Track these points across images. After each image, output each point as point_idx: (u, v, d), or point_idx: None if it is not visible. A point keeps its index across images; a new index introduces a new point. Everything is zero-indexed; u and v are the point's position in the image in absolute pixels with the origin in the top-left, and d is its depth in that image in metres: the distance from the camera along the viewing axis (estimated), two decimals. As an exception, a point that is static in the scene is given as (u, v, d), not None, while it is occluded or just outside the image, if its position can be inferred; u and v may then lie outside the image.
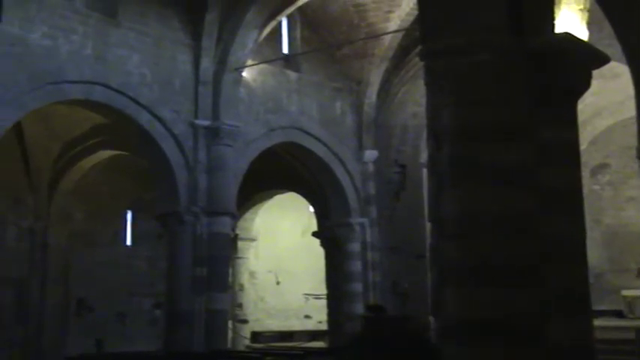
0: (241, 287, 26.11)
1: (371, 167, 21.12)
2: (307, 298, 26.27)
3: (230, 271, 18.99)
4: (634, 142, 11.88)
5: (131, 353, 17.89)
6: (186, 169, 16.81)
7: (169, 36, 16.91)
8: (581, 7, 7.81)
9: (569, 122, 7.42)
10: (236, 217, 18.62)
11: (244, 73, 17.99)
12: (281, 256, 26.51)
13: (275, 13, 17.82)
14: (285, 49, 20.21)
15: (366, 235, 20.71)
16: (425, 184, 18.22)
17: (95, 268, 21.24)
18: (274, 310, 26.61)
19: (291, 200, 24.20)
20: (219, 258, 16.95)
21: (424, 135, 17.70)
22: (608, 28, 9.51)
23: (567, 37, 7.28)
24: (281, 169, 21.44)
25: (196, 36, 17.16)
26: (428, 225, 7.55)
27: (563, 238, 6.96)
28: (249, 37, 17.48)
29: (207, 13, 17.01)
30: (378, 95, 20.99)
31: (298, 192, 22.88)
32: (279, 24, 19.29)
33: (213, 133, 17.09)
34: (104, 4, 15.88)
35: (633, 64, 9.98)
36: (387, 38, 19.76)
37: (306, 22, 20.41)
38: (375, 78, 20.73)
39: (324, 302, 22.05)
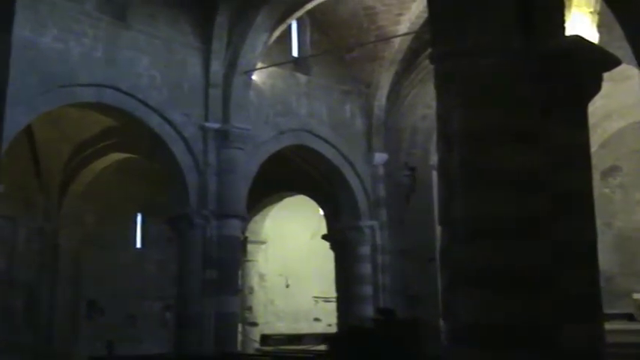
0: (251, 290, 26.10)
1: (381, 170, 21.10)
2: (317, 301, 26.23)
3: (240, 273, 19.00)
4: (645, 144, 11.83)
5: (141, 356, 17.93)
6: (196, 171, 16.84)
7: (179, 39, 16.96)
8: (592, 9, 7.80)
9: (580, 125, 7.41)
10: (246, 219, 18.63)
11: (254, 76, 18.01)
12: (291, 259, 26.48)
13: (285, 16, 17.84)
14: (295, 52, 20.23)
15: (376, 237, 20.68)
16: (435, 187, 18.16)
17: (106, 271, 21.29)
18: (284, 312, 26.58)
19: (300, 203, 24.18)
20: (229, 261, 16.96)
21: (434, 137, 17.67)
22: (618, 31, 9.46)
23: (578, 39, 7.27)
24: (291, 172, 21.44)
25: (206, 39, 17.20)
26: (438, 228, 7.53)
27: (575, 241, 6.94)
28: (259, 40, 17.50)
29: (217, 16, 17.06)
30: (388, 98, 20.97)
31: (308, 195, 22.87)
32: (289, 27, 19.33)
33: (223, 136, 17.11)
34: (114, 8, 15.94)
35: (644, 66, 9.95)
36: (397, 41, 19.75)
37: (316, 25, 20.41)
38: (384, 81, 20.72)
39: (333, 305, 22.03)
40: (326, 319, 25.13)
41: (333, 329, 22.34)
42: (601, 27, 7.94)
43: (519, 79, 6.88)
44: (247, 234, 23.03)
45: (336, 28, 20.36)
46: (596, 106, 13.61)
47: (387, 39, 19.63)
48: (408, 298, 19.71)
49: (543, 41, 7.00)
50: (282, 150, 19.30)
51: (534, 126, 6.87)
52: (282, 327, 25.98)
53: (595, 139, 19.08)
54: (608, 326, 7.87)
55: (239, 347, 19.44)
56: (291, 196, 24.39)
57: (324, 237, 22.04)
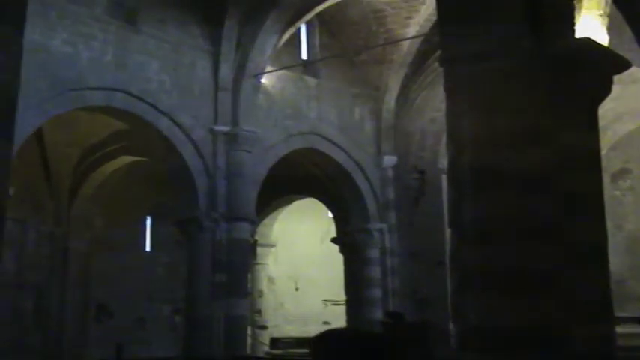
0: (260, 293, 26.11)
1: (390, 173, 21.09)
2: (326, 304, 26.21)
3: (249, 276, 19.01)
4: (655, 147, 11.79)
5: (151, 359, 17.96)
6: (205, 174, 16.88)
7: (188, 42, 17.00)
8: (601, 12, 7.78)
9: (590, 127, 7.38)
10: (255, 222, 18.63)
11: (263, 80, 18.03)
12: (300, 262, 26.48)
13: (294, 20, 17.86)
14: (304, 55, 20.25)
15: (385, 241, 20.66)
16: (444, 190, 18.15)
17: (115, 274, 21.32)
18: (293, 316, 26.57)
19: (310, 206, 24.20)
20: (239, 264, 16.99)
21: (443, 140, 17.69)
22: (628, 33, 9.43)
23: (588, 42, 7.25)
24: (300, 175, 21.44)
25: (215, 42, 17.24)
26: (447, 231, 7.51)
27: (585, 244, 6.91)
28: (268, 44, 17.53)
29: (226, 20, 17.09)
30: (397, 101, 20.95)
31: (317, 198, 22.88)
32: (298, 30, 19.34)
33: (232, 139, 17.15)
34: (124, 12, 16.00)
35: (654, 69, 9.93)
36: (406, 44, 19.75)
37: (325, 28, 20.43)
38: (393, 84, 20.71)
39: (343, 308, 22.01)
40: (335, 323, 25.07)
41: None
42: (611, 29, 7.92)
43: (529, 81, 6.87)
44: (257, 237, 23.04)
45: (345, 31, 20.38)
46: (606, 109, 13.52)
47: (396, 42, 19.64)
48: (417, 300, 19.71)
49: (553, 43, 6.98)
50: (292, 153, 19.31)
51: (544, 129, 6.85)
52: (292, 330, 25.94)
53: (604, 142, 18.94)
54: (618, 329, 7.85)
55: (248, 350, 19.47)
56: (300, 199, 24.40)
57: (334, 240, 22.05)
